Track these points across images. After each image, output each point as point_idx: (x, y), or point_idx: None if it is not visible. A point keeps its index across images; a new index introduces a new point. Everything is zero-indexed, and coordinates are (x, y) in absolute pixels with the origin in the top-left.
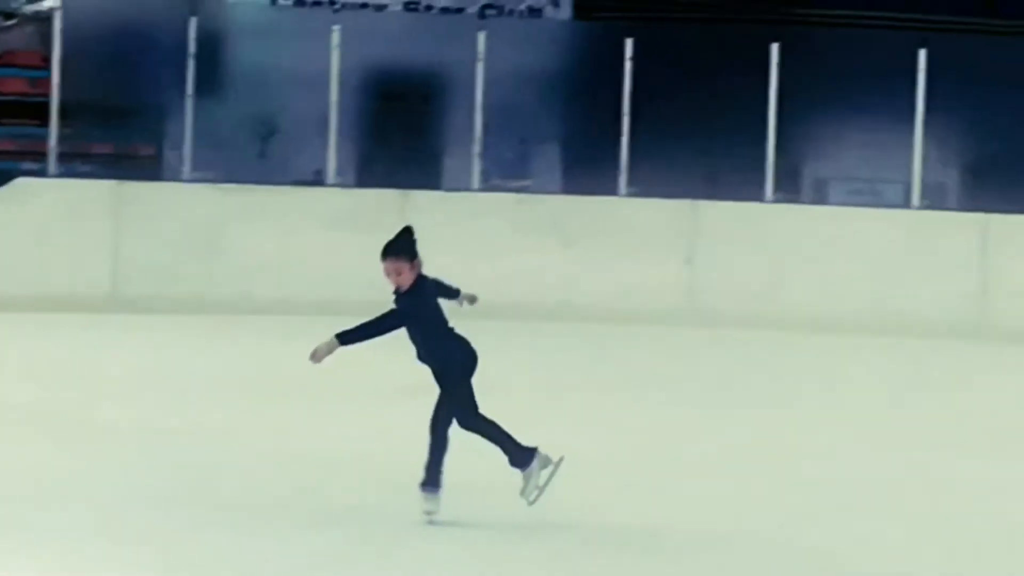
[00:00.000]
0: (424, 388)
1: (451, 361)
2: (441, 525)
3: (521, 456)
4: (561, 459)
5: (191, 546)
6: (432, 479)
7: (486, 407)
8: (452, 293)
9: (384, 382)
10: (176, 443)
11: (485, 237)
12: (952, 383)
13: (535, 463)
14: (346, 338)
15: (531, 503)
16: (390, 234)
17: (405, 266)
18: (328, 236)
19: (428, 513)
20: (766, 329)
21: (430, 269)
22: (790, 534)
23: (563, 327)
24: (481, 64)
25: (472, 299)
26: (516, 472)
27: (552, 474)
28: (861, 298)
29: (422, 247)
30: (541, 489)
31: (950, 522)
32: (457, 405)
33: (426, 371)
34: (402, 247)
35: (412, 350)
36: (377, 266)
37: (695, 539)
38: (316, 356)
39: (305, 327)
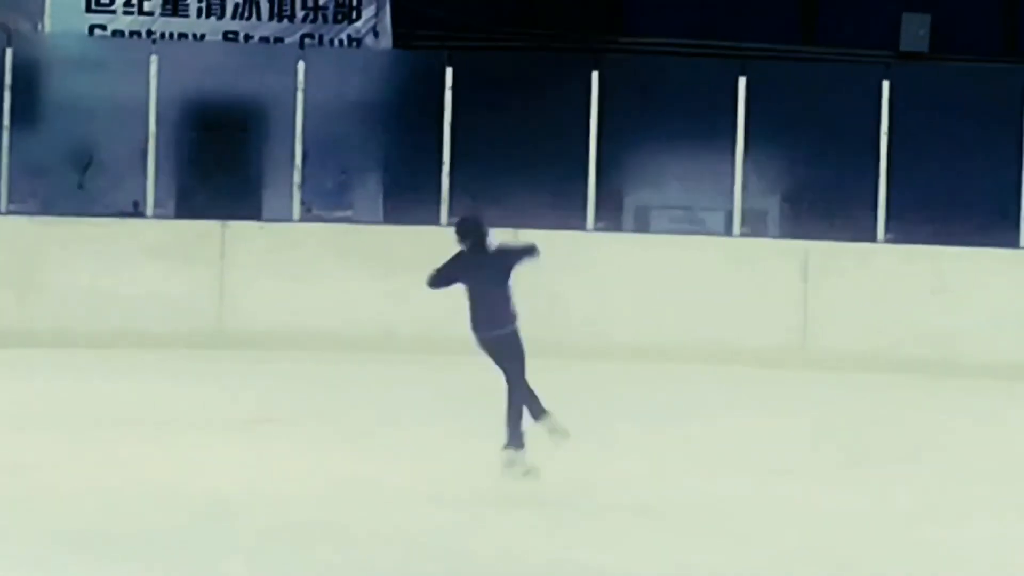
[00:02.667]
0: (254, 422)
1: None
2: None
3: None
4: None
5: None
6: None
7: (307, 439)
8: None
9: (206, 415)
10: None
11: (306, 267)
12: (772, 410)
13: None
14: None
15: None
16: (211, 264)
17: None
18: (148, 267)
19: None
20: (588, 358)
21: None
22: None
23: (385, 357)
24: (301, 94)
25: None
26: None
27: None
28: (683, 326)
29: (242, 278)
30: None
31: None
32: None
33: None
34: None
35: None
36: (198, 296)
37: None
38: None
39: (124, 360)
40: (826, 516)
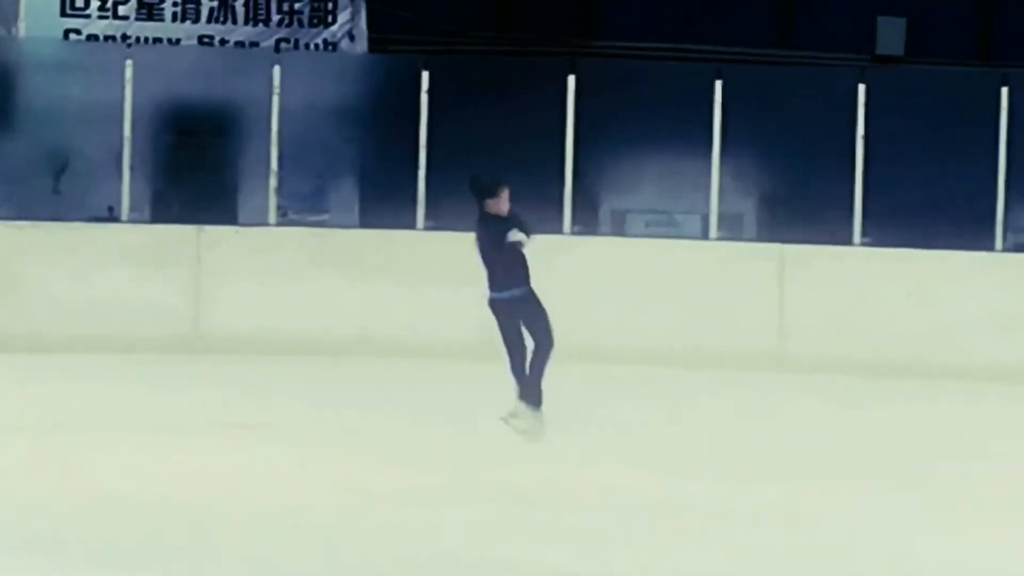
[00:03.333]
0: (232, 426)
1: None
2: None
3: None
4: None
5: None
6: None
7: (286, 442)
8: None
9: (183, 419)
10: None
11: (281, 272)
12: (748, 412)
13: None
14: None
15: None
16: (186, 269)
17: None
18: (123, 272)
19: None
20: (563, 362)
21: (230, 300)
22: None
23: (361, 360)
24: (277, 98)
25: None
26: None
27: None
28: (660, 329)
29: (218, 282)
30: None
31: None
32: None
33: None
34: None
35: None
36: (174, 301)
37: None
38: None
39: (100, 365)
40: (805, 519)
